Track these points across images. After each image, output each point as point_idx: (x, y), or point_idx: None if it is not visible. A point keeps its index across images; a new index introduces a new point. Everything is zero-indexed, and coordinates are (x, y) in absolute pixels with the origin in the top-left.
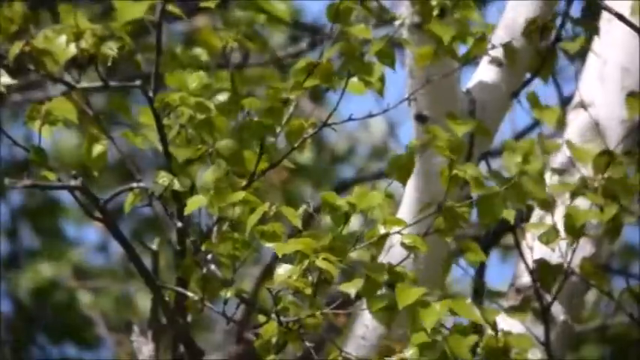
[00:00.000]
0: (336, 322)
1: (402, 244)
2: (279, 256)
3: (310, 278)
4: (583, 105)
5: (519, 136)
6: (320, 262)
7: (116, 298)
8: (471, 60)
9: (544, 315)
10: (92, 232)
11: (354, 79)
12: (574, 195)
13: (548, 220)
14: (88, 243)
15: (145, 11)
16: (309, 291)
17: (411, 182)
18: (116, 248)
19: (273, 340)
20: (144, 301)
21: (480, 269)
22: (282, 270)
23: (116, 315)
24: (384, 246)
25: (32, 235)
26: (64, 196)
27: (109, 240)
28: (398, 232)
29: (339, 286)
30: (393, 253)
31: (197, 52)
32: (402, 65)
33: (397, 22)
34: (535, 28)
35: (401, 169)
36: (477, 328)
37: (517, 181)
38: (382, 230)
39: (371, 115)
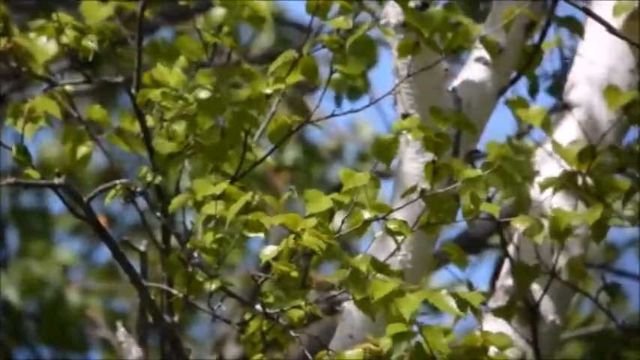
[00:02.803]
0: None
1: (387, 230)
2: (267, 228)
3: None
4: (570, 105)
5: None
6: (307, 239)
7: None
8: (452, 52)
9: (531, 315)
10: (77, 243)
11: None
12: (557, 189)
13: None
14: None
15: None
16: (295, 274)
17: (401, 182)
18: (101, 258)
19: (259, 334)
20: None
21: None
22: (268, 250)
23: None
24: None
25: (20, 237)
26: (53, 204)
27: (93, 250)
28: (383, 218)
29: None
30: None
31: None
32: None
33: (382, 21)
34: (511, 18)
35: (384, 151)
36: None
37: (500, 165)
38: (367, 215)
39: (353, 110)
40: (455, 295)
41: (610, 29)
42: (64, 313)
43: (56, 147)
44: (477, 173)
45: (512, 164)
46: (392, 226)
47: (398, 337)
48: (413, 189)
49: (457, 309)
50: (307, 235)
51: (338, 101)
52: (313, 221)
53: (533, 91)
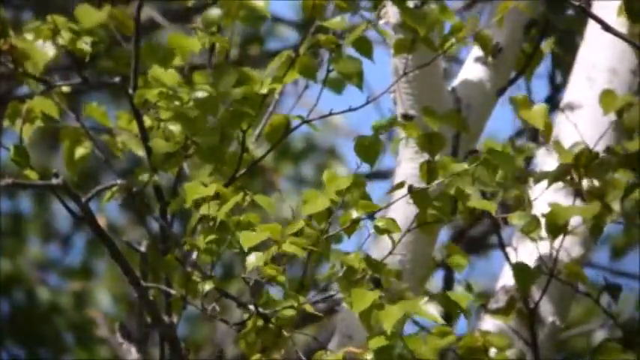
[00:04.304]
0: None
1: (375, 228)
2: (246, 247)
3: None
4: (571, 107)
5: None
6: (287, 246)
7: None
8: (448, 49)
9: (530, 316)
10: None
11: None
12: (552, 182)
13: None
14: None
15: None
16: (282, 279)
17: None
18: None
19: (254, 335)
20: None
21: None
22: (253, 257)
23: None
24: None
25: None
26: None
27: (66, 255)
28: (370, 217)
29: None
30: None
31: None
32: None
33: (382, 21)
34: (504, 12)
35: (367, 150)
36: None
37: (486, 158)
38: (355, 215)
39: (351, 109)
40: (444, 297)
41: (607, 28)
42: (35, 312)
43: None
44: (463, 167)
45: (500, 157)
46: (380, 224)
47: (380, 353)
48: (400, 185)
49: (439, 317)
50: (288, 244)
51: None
52: (301, 224)
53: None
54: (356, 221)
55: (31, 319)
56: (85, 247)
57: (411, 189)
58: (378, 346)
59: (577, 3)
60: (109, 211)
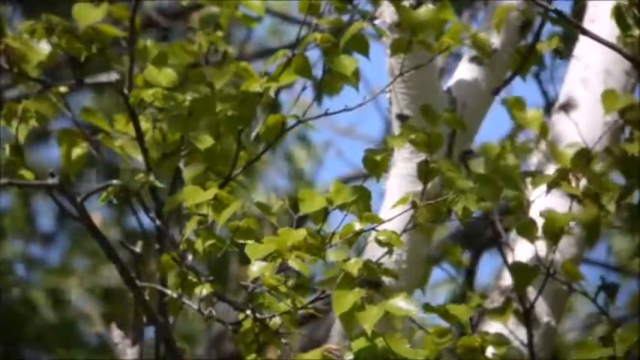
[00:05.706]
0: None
1: (377, 241)
2: (252, 258)
3: (285, 275)
4: (566, 107)
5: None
6: (292, 262)
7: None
8: (444, 50)
9: (526, 316)
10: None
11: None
12: (550, 187)
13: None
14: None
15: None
16: (284, 289)
17: (396, 183)
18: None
19: (252, 335)
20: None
21: (469, 270)
22: (256, 267)
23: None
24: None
25: None
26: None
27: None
28: (372, 229)
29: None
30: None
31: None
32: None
33: (377, 21)
34: (503, 17)
35: (376, 164)
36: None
37: (490, 177)
38: (358, 226)
39: (347, 109)
40: (444, 310)
41: (584, 32)
42: (17, 311)
43: None
44: (468, 185)
45: (503, 174)
46: (382, 237)
47: (362, 353)
48: (404, 200)
49: (413, 311)
50: (294, 258)
51: (319, 98)
52: (303, 233)
53: None
54: (359, 233)
55: (13, 318)
56: (67, 244)
57: (415, 205)
58: (360, 348)
59: (552, 7)
60: (98, 208)
